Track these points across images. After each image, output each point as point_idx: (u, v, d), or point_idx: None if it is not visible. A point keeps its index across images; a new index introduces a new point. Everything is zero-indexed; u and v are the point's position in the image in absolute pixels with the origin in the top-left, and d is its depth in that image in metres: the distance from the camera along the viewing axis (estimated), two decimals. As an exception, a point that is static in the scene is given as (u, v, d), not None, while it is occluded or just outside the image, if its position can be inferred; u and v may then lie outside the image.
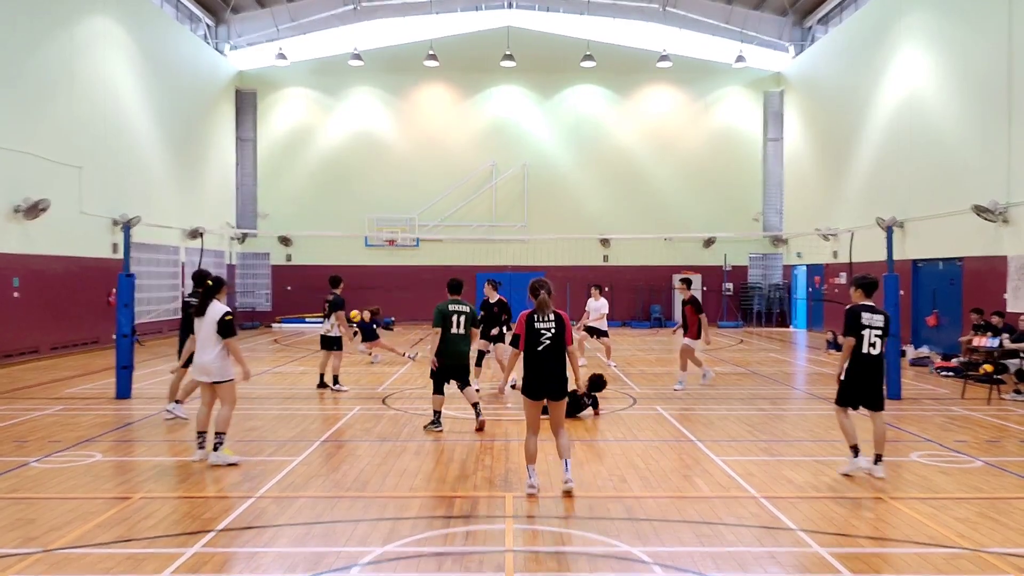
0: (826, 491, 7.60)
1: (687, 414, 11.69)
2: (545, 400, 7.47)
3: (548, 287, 7.49)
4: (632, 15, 31.31)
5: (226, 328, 8.42)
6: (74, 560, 5.78)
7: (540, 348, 7.36)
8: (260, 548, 6.07)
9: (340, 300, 13.81)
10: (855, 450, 8.10)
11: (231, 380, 8.54)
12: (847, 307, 8.33)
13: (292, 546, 6.11)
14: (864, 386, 8.10)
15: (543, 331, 7.35)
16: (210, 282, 8.67)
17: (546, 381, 7.39)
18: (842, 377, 8.20)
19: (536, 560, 5.84)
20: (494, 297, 14.10)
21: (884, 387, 8.36)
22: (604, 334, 17.67)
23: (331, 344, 13.71)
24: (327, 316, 13.73)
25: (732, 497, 7.41)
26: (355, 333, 16.99)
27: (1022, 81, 16.40)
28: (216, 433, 8.44)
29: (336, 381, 13.76)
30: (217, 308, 8.50)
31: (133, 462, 8.88)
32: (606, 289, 30.52)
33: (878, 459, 8.03)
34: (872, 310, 8.16)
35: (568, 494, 7.33)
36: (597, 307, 17.64)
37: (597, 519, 6.76)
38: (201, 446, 8.61)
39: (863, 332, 8.06)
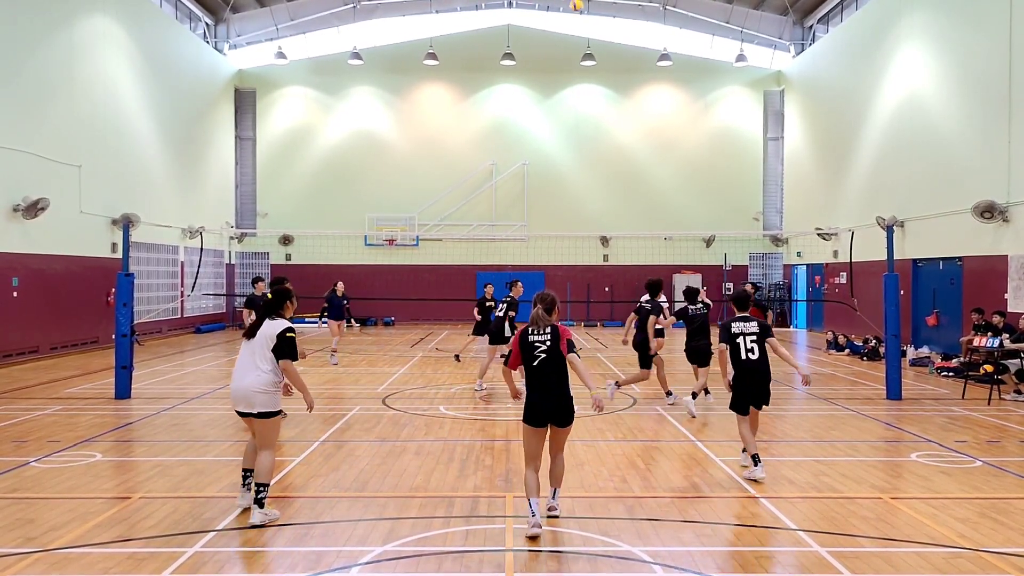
0: (826, 491, 7.60)
1: (687, 414, 11.67)
2: (549, 426, 6.62)
3: (548, 301, 6.79)
4: (632, 14, 31.29)
5: (283, 347, 6.71)
6: (73, 560, 5.77)
7: (536, 363, 6.57)
8: (260, 548, 6.06)
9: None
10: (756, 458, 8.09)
11: (278, 414, 6.82)
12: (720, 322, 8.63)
13: (292, 546, 6.11)
14: (750, 389, 8.21)
15: (537, 343, 6.59)
16: (270, 295, 7.15)
17: (548, 400, 6.50)
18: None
19: (536, 560, 5.84)
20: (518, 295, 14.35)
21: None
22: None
23: None
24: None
25: (732, 497, 7.40)
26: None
27: (1022, 81, 16.39)
28: (257, 484, 6.61)
29: None
30: (276, 323, 6.84)
31: (132, 462, 8.87)
32: (606, 289, 30.76)
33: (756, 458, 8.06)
34: (745, 320, 8.34)
35: (551, 519, 6.68)
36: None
37: (597, 519, 6.75)
38: (246, 486, 6.98)
39: (737, 340, 8.20)
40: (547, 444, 6.72)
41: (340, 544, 6.14)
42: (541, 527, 6.32)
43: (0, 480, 7.91)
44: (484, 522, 6.68)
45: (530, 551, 6.01)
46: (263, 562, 5.79)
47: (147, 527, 6.48)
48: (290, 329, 6.77)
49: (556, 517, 6.73)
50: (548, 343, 6.59)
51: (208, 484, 7.79)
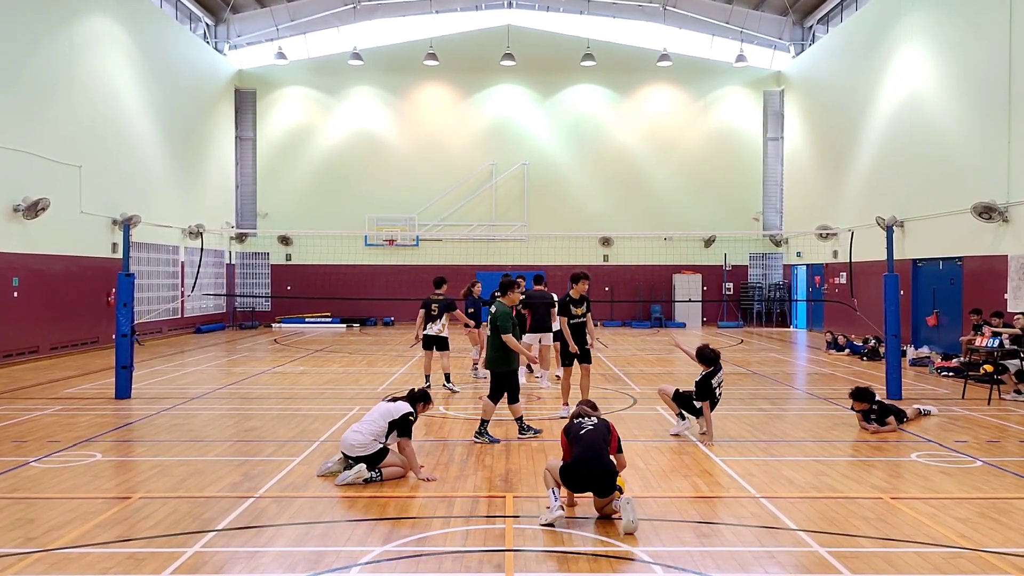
0: (826, 491, 7.60)
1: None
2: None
3: (591, 406, 7.41)
4: (632, 14, 31.30)
5: (403, 426, 7.97)
6: (74, 560, 5.78)
7: (583, 431, 6.87)
8: (260, 548, 6.06)
9: (450, 301, 14.08)
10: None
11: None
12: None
13: (292, 546, 6.11)
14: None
15: (584, 423, 6.97)
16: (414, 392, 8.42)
17: (588, 464, 6.64)
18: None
19: (536, 560, 5.84)
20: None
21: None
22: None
23: (444, 345, 13.92)
24: (438, 317, 13.91)
25: (732, 497, 7.41)
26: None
27: (1022, 81, 16.39)
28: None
29: (448, 379, 13.85)
30: (398, 406, 8.08)
31: (133, 462, 8.88)
32: (606, 289, 30.75)
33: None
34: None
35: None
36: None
37: (597, 519, 6.75)
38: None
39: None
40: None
41: (340, 544, 6.14)
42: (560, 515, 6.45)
43: (0, 480, 7.91)
44: (484, 522, 6.69)
45: (530, 551, 6.01)
46: (263, 562, 5.79)
47: (147, 527, 6.49)
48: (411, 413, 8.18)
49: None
50: (595, 422, 6.98)
51: (208, 484, 7.79)
